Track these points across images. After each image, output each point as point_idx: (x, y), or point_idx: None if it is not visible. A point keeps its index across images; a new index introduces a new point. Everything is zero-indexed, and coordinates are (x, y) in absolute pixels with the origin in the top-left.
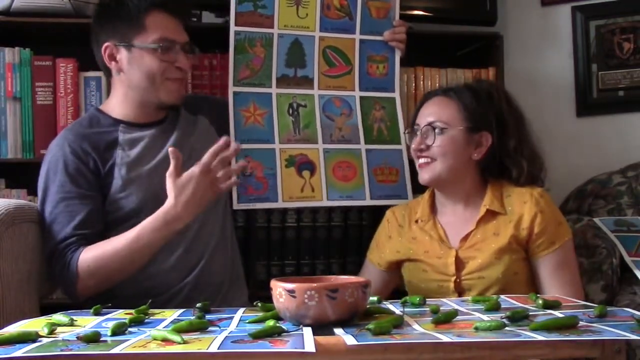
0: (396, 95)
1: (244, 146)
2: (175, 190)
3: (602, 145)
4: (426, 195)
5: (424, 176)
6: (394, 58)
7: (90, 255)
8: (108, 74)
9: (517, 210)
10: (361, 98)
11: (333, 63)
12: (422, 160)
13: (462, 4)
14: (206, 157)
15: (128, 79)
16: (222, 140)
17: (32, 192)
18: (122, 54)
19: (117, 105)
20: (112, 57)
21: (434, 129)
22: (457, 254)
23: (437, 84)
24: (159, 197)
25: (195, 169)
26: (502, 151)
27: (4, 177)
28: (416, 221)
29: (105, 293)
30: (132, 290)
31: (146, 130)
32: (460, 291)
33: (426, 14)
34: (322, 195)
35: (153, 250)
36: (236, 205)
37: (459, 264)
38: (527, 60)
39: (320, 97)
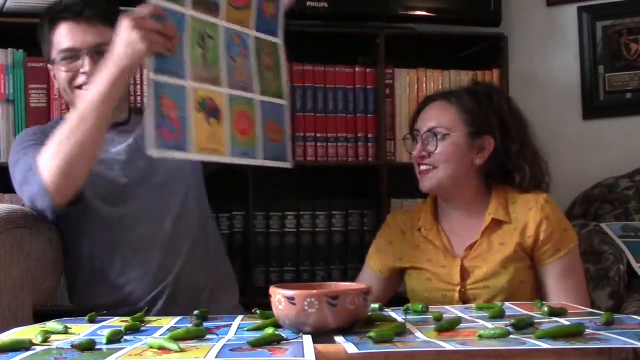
0: (279, 41)
1: (160, 78)
2: None
3: (609, 149)
4: (428, 201)
5: (425, 184)
6: None
7: (43, 150)
8: None
9: (522, 218)
10: (256, 39)
11: None
12: (422, 168)
13: (465, 4)
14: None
15: None
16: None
17: None
18: (52, 72)
19: None
20: (54, 77)
21: (435, 135)
22: (462, 263)
23: (440, 86)
24: (108, 187)
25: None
26: (505, 155)
27: None
28: (419, 229)
29: (85, 300)
30: (109, 298)
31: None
32: (465, 300)
33: (429, 14)
34: (227, 150)
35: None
36: (154, 152)
37: (464, 273)
38: (532, 61)
39: (225, 30)
